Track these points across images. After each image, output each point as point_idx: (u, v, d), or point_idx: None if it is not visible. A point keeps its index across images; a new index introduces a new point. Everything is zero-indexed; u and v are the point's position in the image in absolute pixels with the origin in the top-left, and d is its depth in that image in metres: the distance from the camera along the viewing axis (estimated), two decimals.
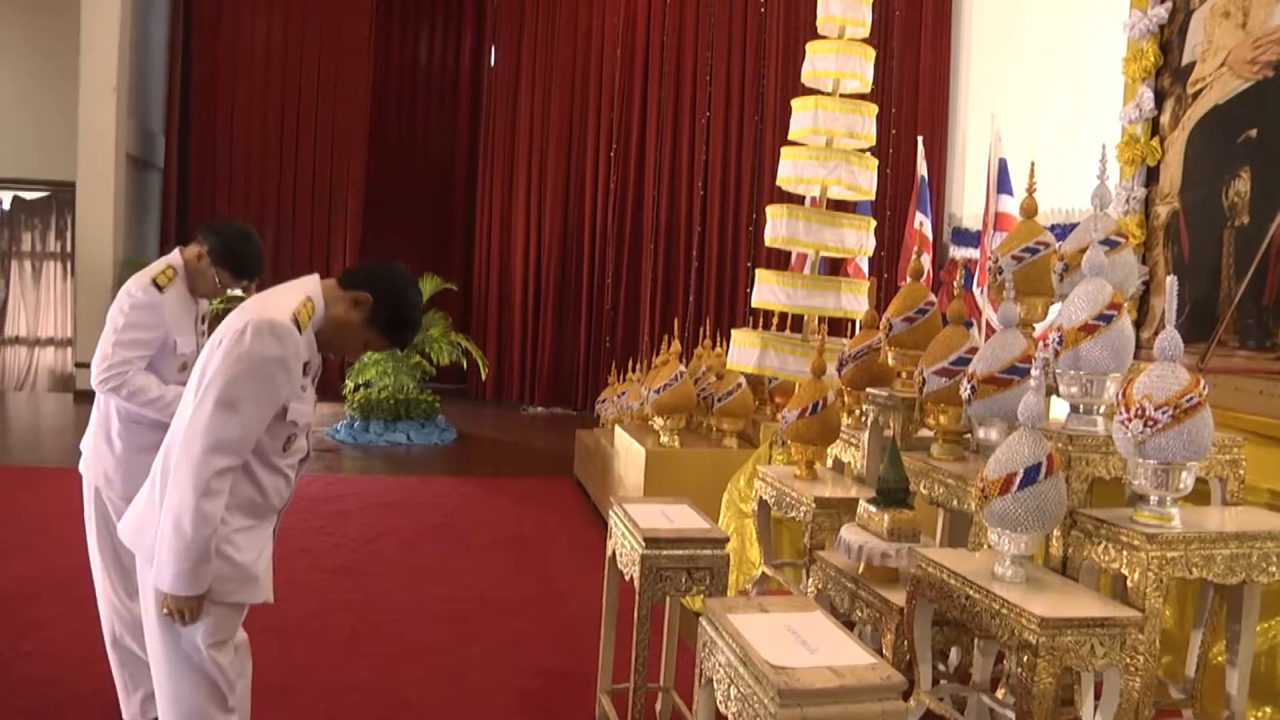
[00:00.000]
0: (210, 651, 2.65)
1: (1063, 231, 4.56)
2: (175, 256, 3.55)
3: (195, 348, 3.58)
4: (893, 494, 3.44)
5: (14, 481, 7.52)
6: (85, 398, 11.55)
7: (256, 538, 2.67)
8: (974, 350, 3.65)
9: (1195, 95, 5.34)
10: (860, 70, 7.08)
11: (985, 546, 3.17)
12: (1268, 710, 3.59)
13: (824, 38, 7.19)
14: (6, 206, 13.38)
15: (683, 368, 6.60)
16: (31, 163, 12.91)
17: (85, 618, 4.47)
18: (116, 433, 3.48)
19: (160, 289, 3.43)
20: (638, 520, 3.59)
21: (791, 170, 7.09)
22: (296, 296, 2.60)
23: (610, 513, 3.94)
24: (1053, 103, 9.84)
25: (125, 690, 3.56)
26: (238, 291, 3.65)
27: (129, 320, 3.38)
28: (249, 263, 3.60)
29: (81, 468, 3.58)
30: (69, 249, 13.09)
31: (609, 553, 3.88)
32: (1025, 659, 2.63)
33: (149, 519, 2.60)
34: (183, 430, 2.51)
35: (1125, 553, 2.90)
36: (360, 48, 13.07)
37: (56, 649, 4.32)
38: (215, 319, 3.64)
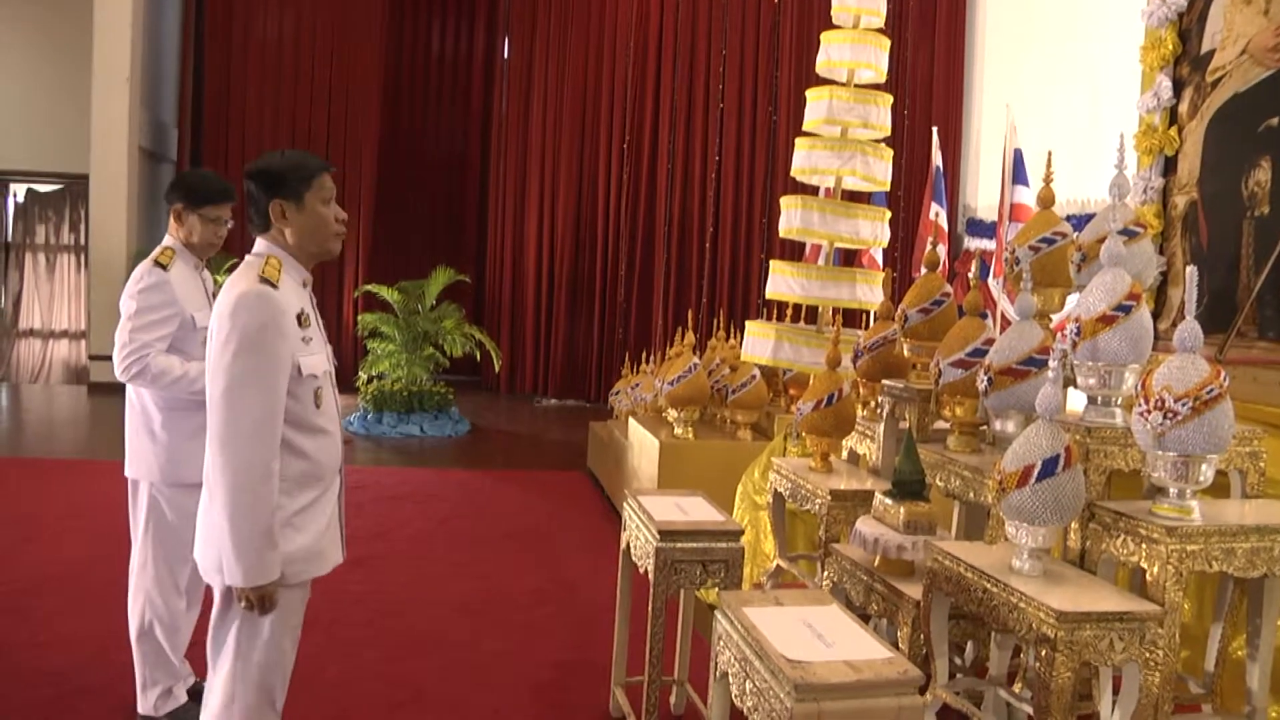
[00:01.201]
0: (283, 641, 2.65)
1: (1079, 222, 4.53)
2: (166, 237, 3.54)
3: None
4: (908, 486, 3.41)
5: (28, 473, 7.55)
6: (99, 390, 11.63)
7: (317, 512, 2.68)
8: (990, 341, 3.62)
9: (1215, 84, 5.28)
10: (875, 60, 7.05)
11: (1002, 539, 3.15)
12: None
13: (839, 28, 7.15)
14: (20, 199, 13.42)
15: (697, 359, 6.58)
16: (44, 156, 12.94)
17: (99, 610, 4.49)
18: (160, 425, 3.47)
19: (164, 268, 3.42)
20: (652, 513, 3.58)
21: (805, 161, 7.06)
22: (253, 264, 2.59)
23: (624, 505, 3.93)
24: (1069, 92, 9.77)
25: (144, 685, 3.56)
26: (229, 223, 3.58)
27: (140, 305, 3.37)
28: (202, 184, 3.53)
29: (127, 470, 3.55)
30: (82, 242, 13.12)
31: (623, 545, 3.87)
32: (1043, 653, 2.61)
33: (208, 528, 2.60)
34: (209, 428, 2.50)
35: (1144, 546, 2.87)
36: (373, 39, 13.07)
37: (70, 640, 4.33)
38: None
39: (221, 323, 2.47)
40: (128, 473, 3.54)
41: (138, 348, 3.33)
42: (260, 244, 2.66)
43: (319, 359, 2.66)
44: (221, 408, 2.45)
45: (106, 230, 11.87)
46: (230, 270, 10.04)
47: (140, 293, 3.38)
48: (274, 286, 2.51)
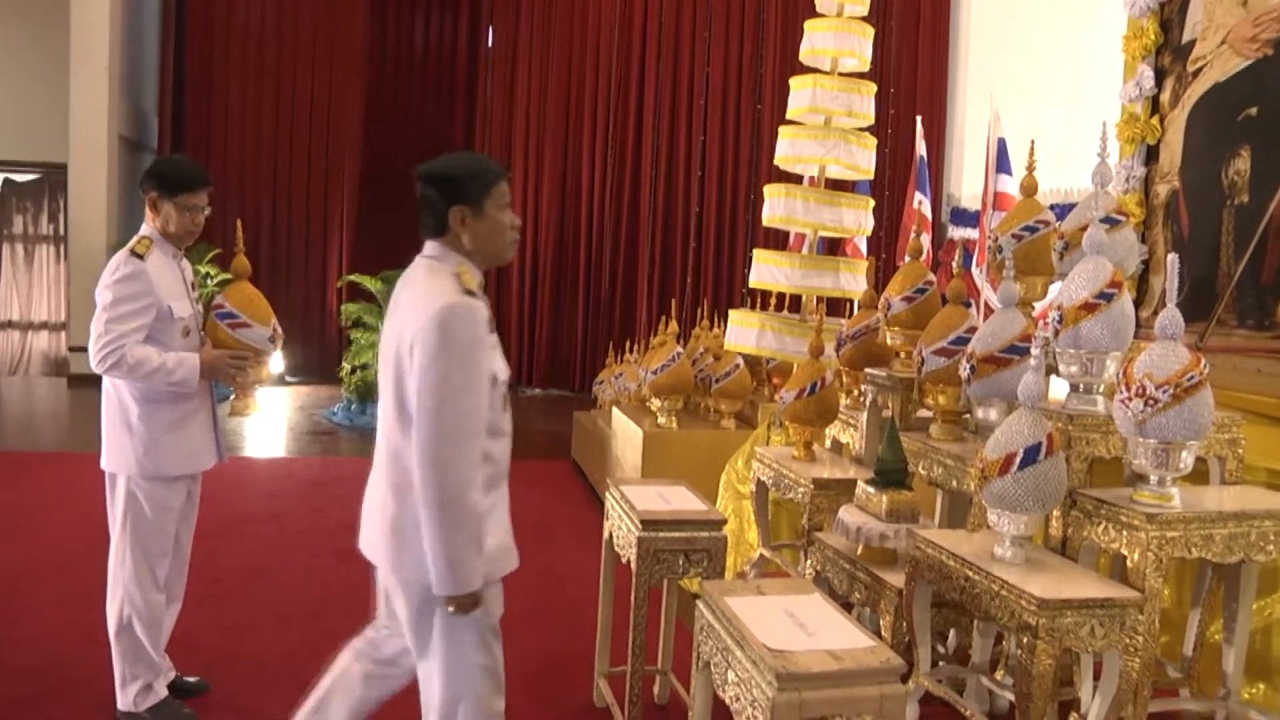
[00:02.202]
0: (490, 641, 2.63)
1: (1062, 211, 4.53)
2: (143, 226, 3.49)
3: (193, 312, 3.53)
4: (891, 475, 3.42)
5: (7, 466, 7.50)
6: (79, 382, 11.55)
7: (502, 510, 2.66)
8: (973, 329, 3.63)
9: (1196, 73, 5.30)
10: (859, 49, 7.04)
11: (984, 527, 3.16)
12: (1261, 687, 3.59)
13: (823, 16, 7.14)
14: None
15: (680, 349, 6.58)
16: (22, 144, 12.81)
17: (78, 605, 4.46)
18: (137, 417, 3.41)
19: (140, 257, 3.35)
20: (634, 502, 3.57)
21: (789, 149, 7.05)
22: (440, 270, 2.54)
23: (607, 495, 3.92)
24: (1052, 82, 9.78)
25: (123, 680, 3.52)
26: (206, 210, 3.52)
27: (116, 295, 3.31)
28: (176, 172, 3.48)
29: (104, 464, 3.49)
30: (62, 232, 13.01)
31: (606, 535, 3.87)
32: (1025, 640, 2.62)
33: (382, 529, 2.60)
34: (402, 443, 2.48)
35: (1125, 533, 2.89)
36: (356, 26, 12.98)
37: (49, 636, 4.29)
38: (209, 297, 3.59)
39: (428, 335, 2.39)
40: (104, 466, 3.49)
41: (113, 339, 3.26)
42: (435, 248, 2.60)
43: (501, 362, 2.62)
44: (435, 423, 2.39)
45: (86, 220, 11.76)
46: (214, 261, 9.91)
47: (116, 283, 3.32)
48: (475, 297, 2.49)
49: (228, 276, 3.67)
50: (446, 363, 2.38)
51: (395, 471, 2.55)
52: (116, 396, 3.45)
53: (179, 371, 3.34)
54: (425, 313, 2.40)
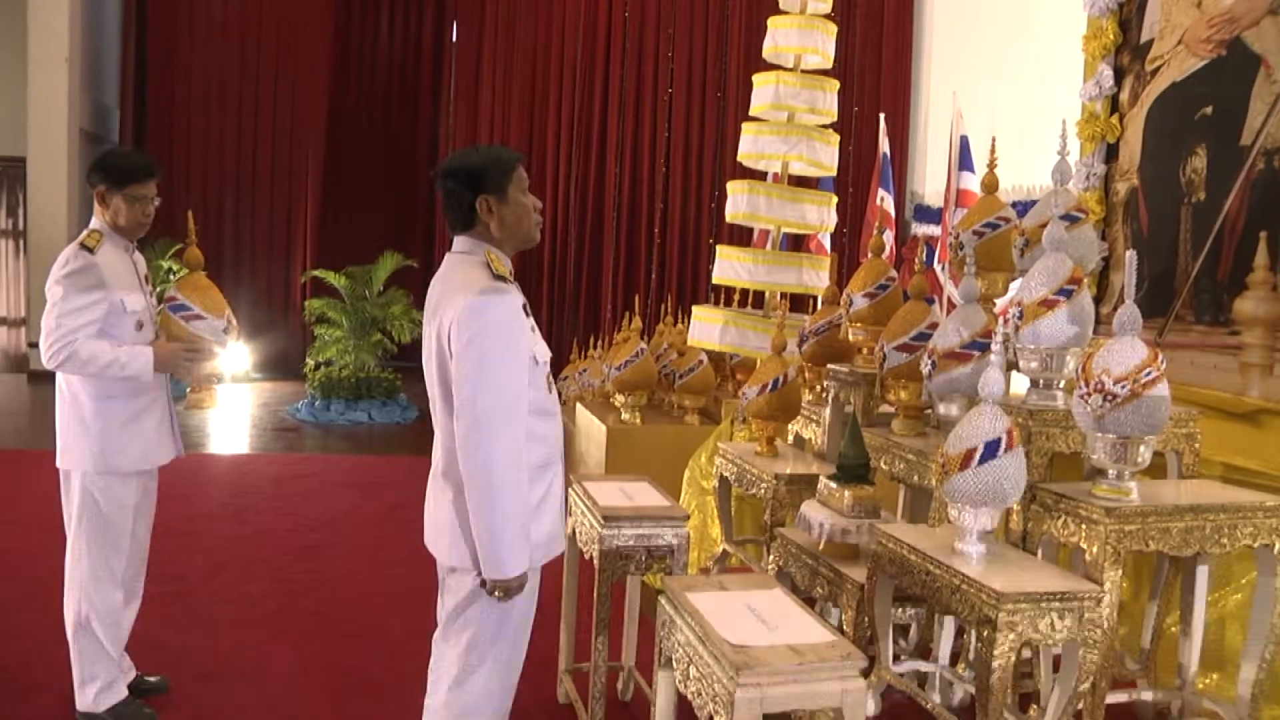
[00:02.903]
0: (528, 627, 2.67)
1: (1023, 208, 4.58)
2: (93, 220, 3.44)
3: (147, 305, 3.48)
4: (853, 470, 3.43)
5: None
6: (39, 378, 11.39)
7: (553, 496, 2.68)
8: (935, 326, 3.66)
9: (1154, 73, 5.36)
10: (822, 46, 7.06)
11: (946, 522, 3.18)
12: (1215, 677, 3.64)
13: (786, 13, 7.15)
14: None
15: (644, 344, 6.58)
16: None
17: (36, 604, 4.40)
18: (91, 413, 3.36)
19: (91, 251, 3.30)
20: (596, 498, 3.57)
21: (752, 146, 7.07)
22: (470, 262, 2.57)
23: (570, 490, 3.91)
24: (1014, 80, 9.86)
25: (81, 681, 3.47)
26: (155, 201, 3.48)
27: (67, 289, 3.26)
28: (124, 163, 3.43)
29: (59, 461, 3.44)
30: (20, 226, 12.83)
31: (568, 531, 3.86)
32: (985, 633, 2.64)
33: (437, 520, 2.63)
34: (454, 430, 2.49)
35: (1084, 526, 2.92)
36: (320, 22, 12.88)
37: (5, 636, 4.24)
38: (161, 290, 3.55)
39: (462, 321, 2.42)
40: (59, 463, 3.43)
41: (64, 334, 3.21)
42: (465, 242, 2.63)
43: (542, 344, 2.66)
44: (473, 406, 2.42)
45: (45, 214, 11.61)
46: (176, 256, 9.82)
47: (66, 277, 3.27)
48: (509, 283, 2.52)
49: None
50: (481, 347, 2.42)
51: (450, 462, 2.58)
52: (70, 392, 3.40)
53: (132, 365, 3.29)
54: (460, 301, 2.45)
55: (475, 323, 2.43)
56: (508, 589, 2.51)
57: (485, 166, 2.60)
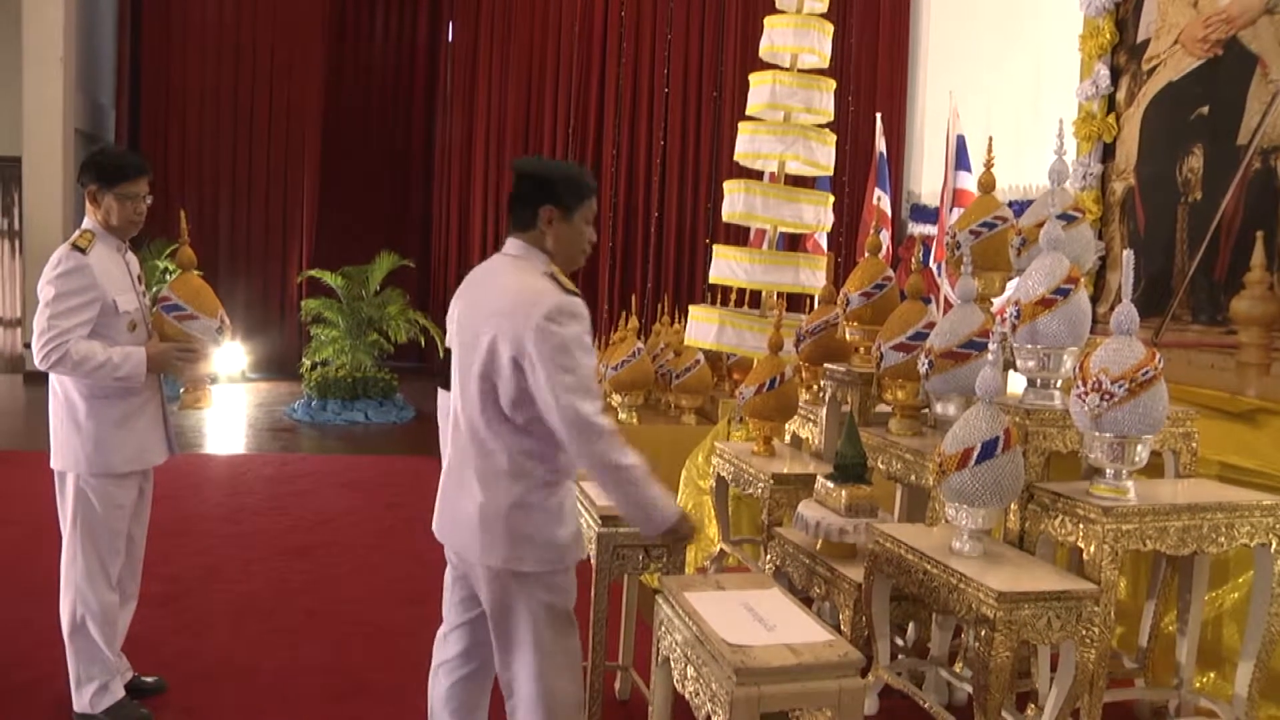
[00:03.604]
0: (567, 624, 2.66)
1: (1020, 207, 4.57)
2: (85, 220, 3.42)
3: (139, 305, 3.46)
4: (850, 470, 3.43)
5: None
6: (34, 379, 11.36)
7: (573, 499, 2.72)
8: (932, 325, 3.65)
9: (1150, 72, 5.36)
10: (818, 45, 7.06)
11: (943, 521, 3.18)
12: (1212, 676, 3.64)
13: (782, 12, 7.15)
14: None
15: (640, 344, 6.57)
16: None
17: (32, 605, 4.39)
18: (85, 414, 3.35)
19: (83, 251, 3.28)
20: (594, 498, 3.56)
21: (749, 145, 7.07)
22: (533, 268, 2.61)
23: None
24: (1011, 80, 9.86)
25: (78, 681, 3.46)
26: (148, 199, 3.46)
27: (58, 290, 3.23)
28: (115, 162, 3.41)
29: (53, 462, 3.43)
30: (16, 226, 12.79)
31: None
32: (983, 633, 2.64)
33: (467, 519, 2.61)
34: (491, 436, 2.56)
35: (1082, 526, 2.92)
36: (315, 20, 12.84)
37: (1, 638, 4.22)
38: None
39: (547, 336, 2.45)
40: (53, 464, 3.42)
41: (56, 335, 3.19)
42: (519, 246, 2.66)
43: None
44: (578, 410, 2.46)
45: (41, 214, 11.58)
46: (171, 255, 9.75)
47: (58, 278, 3.24)
48: (578, 295, 2.57)
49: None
50: (571, 356, 2.47)
51: (483, 462, 2.59)
52: (63, 393, 3.39)
53: (125, 366, 3.28)
54: (536, 312, 2.46)
55: (561, 334, 2.46)
56: (680, 534, 2.67)
57: (563, 181, 2.66)
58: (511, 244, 2.69)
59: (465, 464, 2.66)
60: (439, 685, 2.92)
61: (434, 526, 2.81)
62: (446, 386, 2.91)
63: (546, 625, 2.60)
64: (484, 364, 2.54)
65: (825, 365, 4.41)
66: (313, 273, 11.11)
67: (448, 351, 2.86)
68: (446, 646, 2.90)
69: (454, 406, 2.73)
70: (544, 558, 2.58)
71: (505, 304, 2.53)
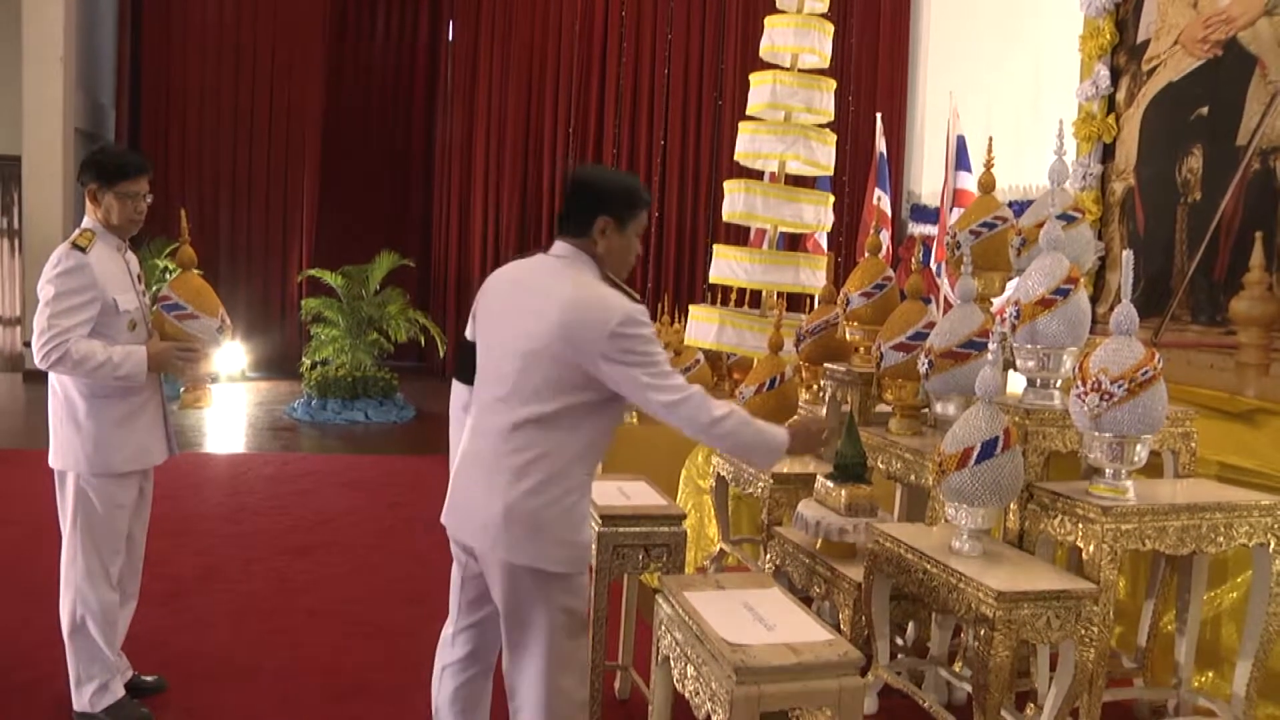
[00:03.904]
0: (578, 626, 2.67)
1: (1020, 207, 4.58)
2: (85, 219, 3.41)
3: (140, 305, 3.46)
4: (850, 469, 3.44)
5: None
6: (34, 377, 11.36)
7: (589, 503, 2.74)
8: (931, 325, 3.66)
9: (1150, 73, 5.37)
10: (819, 45, 7.07)
11: (943, 521, 3.19)
12: (1210, 675, 3.65)
13: (783, 12, 7.16)
14: None
15: None
16: None
17: (31, 604, 4.40)
18: (85, 414, 3.34)
19: (83, 250, 3.27)
20: (594, 497, 3.57)
21: (749, 145, 7.07)
22: (584, 271, 2.64)
23: None
24: (1011, 80, 9.87)
25: (78, 681, 3.46)
26: (148, 197, 3.46)
27: (58, 289, 3.23)
28: (115, 160, 3.41)
29: (52, 461, 3.43)
30: (15, 225, 12.80)
31: None
32: (982, 632, 2.64)
33: (490, 513, 2.60)
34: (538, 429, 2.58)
35: (1081, 525, 2.92)
36: (315, 20, 12.84)
37: (1, 638, 4.22)
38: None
39: (628, 341, 2.50)
40: (53, 464, 3.42)
41: (56, 334, 3.19)
42: (568, 249, 2.67)
43: None
44: (678, 401, 2.56)
45: (41, 213, 11.57)
46: (171, 254, 9.72)
47: (58, 277, 3.24)
48: (642, 303, 2.62)
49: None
50: (655, 355, 2.55)
51: (516, 459, 2.57)
52: (63, 392, 3.39)
53: (125, 365, 3.28)
54: (611, 319, 2.50)
55: (640, 332, 2.53)
56: (805, 446, 2.80)
57: (620, 193, 2.70)
58: (561, 246, 2.69)
59: (493, 459, 2.62)
60: (445, 687, 2.90)
61: (444, 519, 2.79)
62: (462, 379, 2.90)
63: (561, 627, 2.60)
64: (537, 364, 2.55)
65: (825, 365, 4.42)
66: (313, 272, 11.11)
67: (467, 345, 2.84)
68: (453, 648, 2.88)
69: (476, 400, 2.73)
70: (568, 558, 2.57)
71: (572, 307, 2.54)
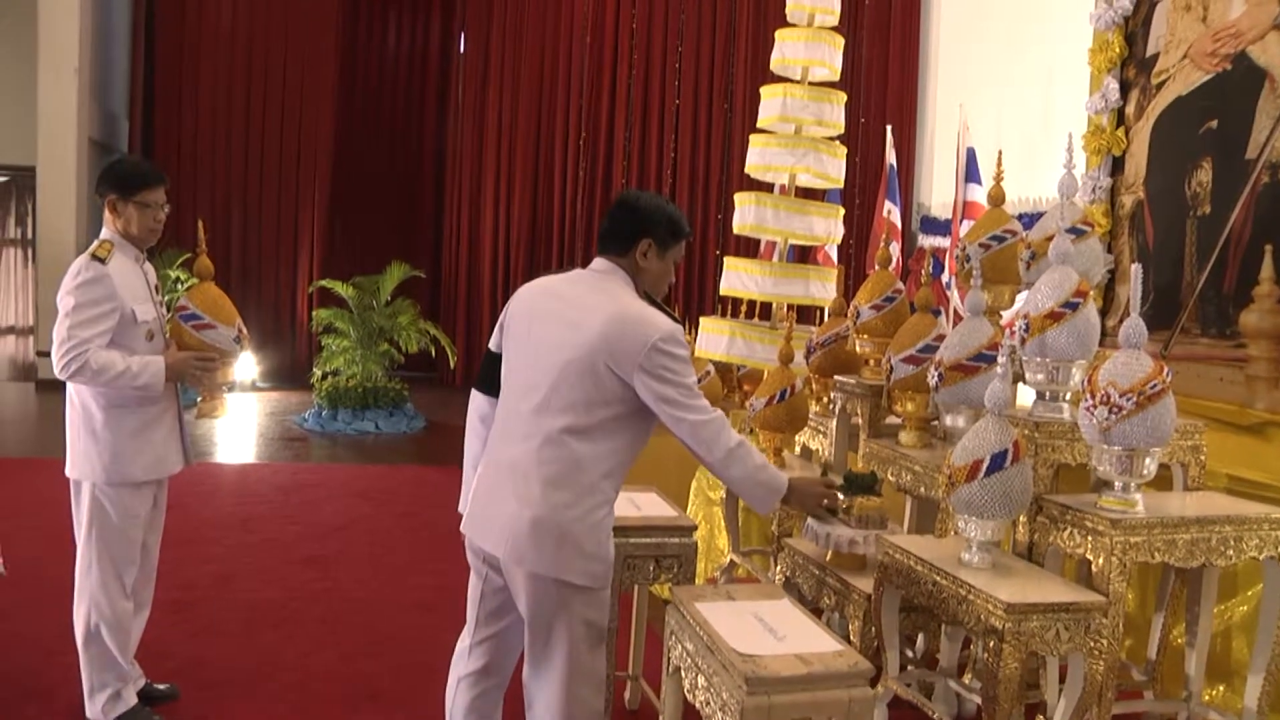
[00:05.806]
0: (598, 640, 2.70)
1: (1030, 220, 4.59)
2: (104, 230, 3.45)
3: (157, 315, 3.49)
4: (860, 481, 3.45)
5: None
6: (47, 387, 11.43)
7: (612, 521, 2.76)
8: (941, 337, 3.67)
9: (1159, 86, 5.38)
10: (829, 58, 7.09)
11: (952, 533, 3.20)
12: (1221, 689, 3.65)
13: (793, 25, 7.18)
14: None
15: None
16: None
17: (45, 612, 4.43)
18: (101, 424, 3.37)
19: (102, 261, 3.31)
20: None
21: (760, 158, 7.09)
22: (624, 288, 2.72)
23: None
24: (1020, 93, 9.89)
25: (91, 689, 3.49)
26: (166, 207, 3.50)
27: (78, 300, 3.27)
28: (133, 171, 3.44)
29: (69, 471, 3.45)
30: (30, 236, 12.88)
31: None
32: (991, 644, 2.65)
33: (516, 524, 2.60)
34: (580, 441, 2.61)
35: (1090, 538, 2.93)
36: (327, 31, 12.92)
37: (15, 643, 4.25)
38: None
39: (668, 359, 2.57)
40: (69, 473, 3.44)
41: (76, 344, 3.22)
42: (609, 265, 2.77)
43: None
44: (704, 421, 2.61)
45: (55, 223, 11.65)
46: (184, 265, 9.79)
47: (77, 288, 3.28)
48: (680, 322, 2.70)
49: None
50: (687, 378, 2.61)
51: (549, 470, 2.59)
52: (80, 402, 3.41)
53: (144, 375, 3.31)
54: (653, 335, 2.56)
55: (679, 351, 2.59)
56: (803, 504, 2.93)
57: (664, 219, 2.78)
58: (601, 263, 2.77)
59: (524, 469, 2.62)
60: (460, 699, 2.90)
61: (465, 528, 2.80)
62: (484, 390, 2.92)
63: (583, 640, 2.63)
64: (574, 374, 2.59)
65: (835, 377, 4.43)
66: (324, 283, 11.17)
67: (493, 356, 2.87)
68: (470, 660, 2.88)
69: (504, 409, 2.75)
70: (594, 572, 2.60)
71: (616, 320, 2.59)
